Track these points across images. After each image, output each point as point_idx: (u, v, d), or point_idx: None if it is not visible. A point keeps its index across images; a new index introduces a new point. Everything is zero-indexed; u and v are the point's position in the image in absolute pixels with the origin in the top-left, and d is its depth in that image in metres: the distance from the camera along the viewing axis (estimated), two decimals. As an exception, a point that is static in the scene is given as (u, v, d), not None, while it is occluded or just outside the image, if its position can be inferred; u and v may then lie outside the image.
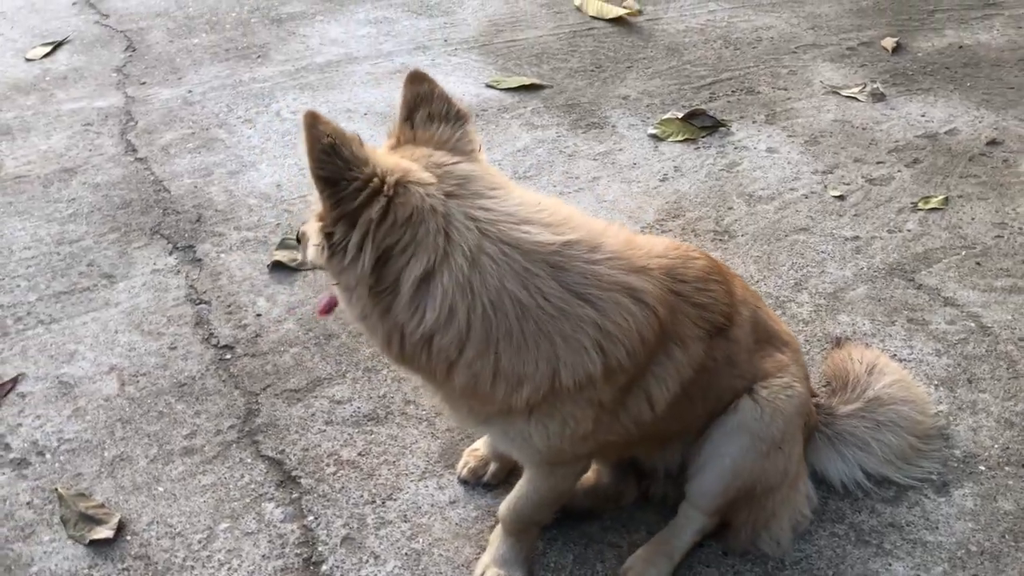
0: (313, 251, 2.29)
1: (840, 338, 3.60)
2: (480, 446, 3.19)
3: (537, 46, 6.26)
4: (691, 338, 2.50)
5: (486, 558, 2.84)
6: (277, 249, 4.26)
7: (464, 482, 3.16)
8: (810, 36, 6.39)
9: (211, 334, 3.83)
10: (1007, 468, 3.18)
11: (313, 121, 2.09)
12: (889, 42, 6.20)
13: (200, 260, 4.25)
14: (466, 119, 2.42)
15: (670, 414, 2.56)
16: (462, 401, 2.40)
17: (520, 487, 2.73)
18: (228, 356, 3.72)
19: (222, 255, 4.28)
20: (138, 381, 3.60)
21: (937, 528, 2.99)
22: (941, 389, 3.50)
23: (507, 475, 3.16)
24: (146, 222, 4.52)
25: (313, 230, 2.28)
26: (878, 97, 5.58)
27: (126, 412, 3.47)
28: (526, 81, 5.71)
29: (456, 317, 2.17)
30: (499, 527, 2.87)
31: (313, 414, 3.45)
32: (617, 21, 6.57)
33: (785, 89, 5.71)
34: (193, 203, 4.66)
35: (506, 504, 2.79)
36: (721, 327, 2.60)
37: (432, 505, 3.09)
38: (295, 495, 3.14)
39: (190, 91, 5.72)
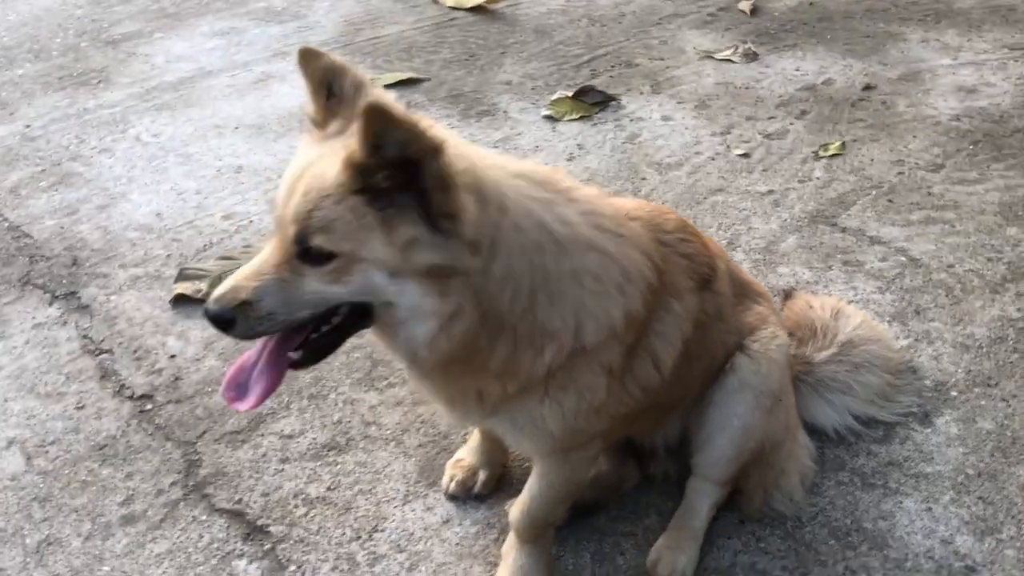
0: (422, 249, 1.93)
1: (788, 290, 3.57)
2: (464, 455, 2.93)
3: (403, 41, 6.00)
4: (685, 289, 2.40)
5: (503, 573, 2.59)
6: (177, 282, 3.82)
7: (453, 497, 2.90)
8: (670, 7, 6.44)
9: (122, 385, 3.37)
10: (976, 389, 3.23)
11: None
12: (746, 4, 6.33)
13: (88, 306, 3.75)
14: (368, 84, 2.15)
15: (673, 378, 2.42)
16: (474, 390, 2.17)
17: (531, 486, 2.50)
18: (149, 407, 3.28)
19: (112, 297, 3.80)
20: (47, 451, 3.11)
21: (933, 459, 2.98)
22: (894, 324, 3.53)
23: (498, 482, 2.92)
24: (11, 274, 3.96)
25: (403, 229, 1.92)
26: (751, 57, 5.67)
27: (41, 489, 2.98)
28: (402, 76, 5.44)
29: (514, 269, 2.01)
30: (511, 538, 2.63)
31: (264, 454, 3.08)
32: (477, 9, 6.40)
33: (662, 59, 5.71)
34: (63, 246, 4.12)
35: (517, 509, 2.55)
36: (707, 279, 2.50)
37: (425, 529, 2.81)
38: (267, 546, 2.77)
39: (28, 126, 5.10)
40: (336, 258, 1.92)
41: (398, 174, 1.83)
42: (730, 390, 2.64)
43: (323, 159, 1.94)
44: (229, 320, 1.96)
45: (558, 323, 2.10)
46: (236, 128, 5.00)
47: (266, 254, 2.00)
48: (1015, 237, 3.99)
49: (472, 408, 2.24)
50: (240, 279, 1.98)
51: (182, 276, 3.84)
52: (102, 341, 3.57)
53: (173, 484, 2.98)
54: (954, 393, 3.22)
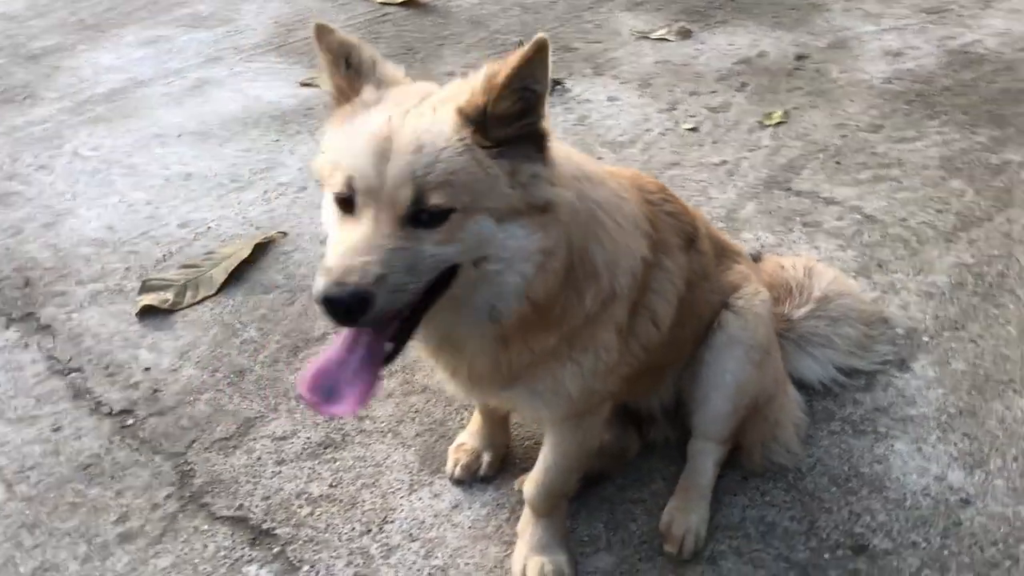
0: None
1: (756, 254, 3.65)
2: (465, 439, 2.92)
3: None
4: (674, 247, 2.46)
5: (523, 549, 2.59)
6: (141, 294, 3.71)
7: (459, 482, 2.88)
8: (599, -10, 6.52)
9: (98, 403, 3.26)
10: (945, 333, 3.36)
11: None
12: (673, -15, 6.45)
13: (48, 326, 3.61)
14: (380, 58, 2.15)
15: (669, 337, 2.48)
16: (507, 359, 2.16)
17: (545, 458, 2.51)
18: (130, 422, 3.18)
19: (74, 315, 3.67)
20: (28, 477, 2.99)
21: (915, 402, 3.09)
22: (860, 279, 3.65)
23: (502, 463, 2.92)
24: (-40, 300, 3.79)
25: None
26: (686, 35, 5.78)
27: (28, 516, 2.86)
28: (344, 73, 5.37)
29: (573, 201, 2.04)
30: (525, 515, 2.64)
31: (259, 458, 3.01)
32: (409, 4, 6.38)
33: (599, 42, 5.77)
34: (12, 267, 3.96)
35: (532, 483, 2.56)
36: (691, 238, 2.57)
37: (435, 516, 2.79)
38: (276, 548, 2.72)
39: (-46, 149, 4.89)
40: (450, 216, 1.85)
41: (514, 121, 1.86)
42: (720, 347, 2.70)
43: (419, 117, 1.88)
44: (366, 299, 1.78)
45: (601, 260, 2.14)
46: (179, 136, 4.88)
47: (368, 226, 1.85)
48: (959, 188, 4.16)
49: (493, 380, 2.23)
50: (354, 256, 1.81)
51: (146, 288, 3.73)
52: (69, 360, 3.44)
53: (168, 497, 2.90)
54: (925, 338, 3.35)
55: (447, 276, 1.93)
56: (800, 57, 5.43)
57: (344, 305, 1.79)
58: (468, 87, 1.93)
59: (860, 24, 5.82)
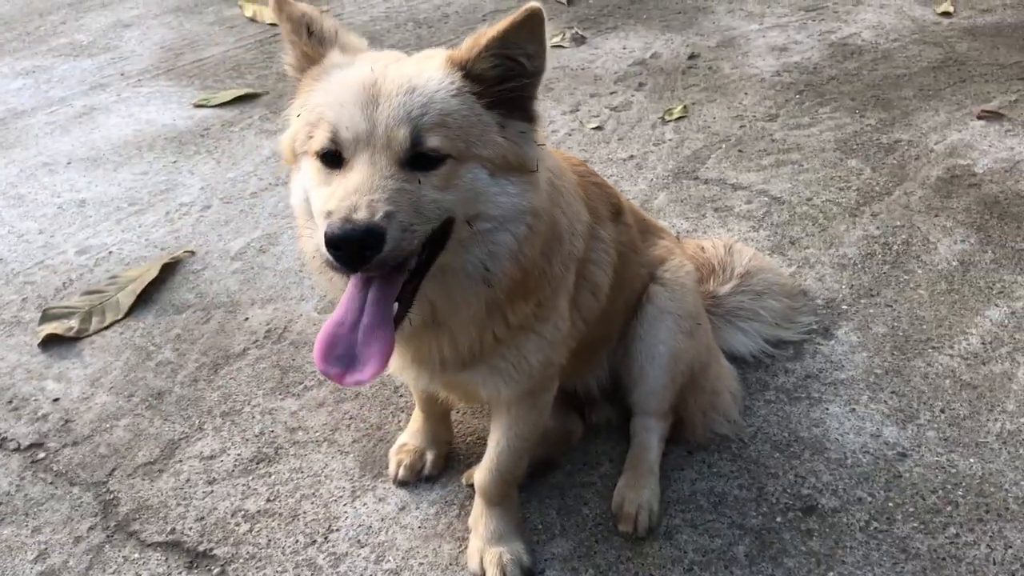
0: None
1: (675, 237, 3.70)
2: (407, 439, 2.83)
3: (229, 60, 5.77)
4: (605, 217, 2.49)
5: (477, 542, 2.52)
6: (42, 323, 3.48)
7: (403, 484, 2.79)
8: (491, 3, 6.57)
9: (3, 439, 3.03)
10: (862, 301, 3.47)
11: None
12: (562, -5, 6.56)
13: (-60, 365, 3.35)
14: (341, 29, 2.12)
15: (603, 310, 2.49)
16: (479, 334, 2.13)
17: (497, 442, 2.46)
18: (42, 455, 2.96)
19: (-32, 352, 3.41)
20: (-70, 523, 2.75)
21: (843, 366, 3.17)
22: (775, 256, 3.74)
23: (446, 461, 2.85)
24: None
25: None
26: (580, 41, 5.87)
27: (-67, 563, 2.63)
28: (239, 92, 5.24)
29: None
30: (477, 506, 2.57)
31: (188, 480, 2.85)
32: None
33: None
34: None
35: (484, 471, 2.50)
36: (617, 209, 2.60)
37: (382, 520, 2.69)
38: (216, 569, 2.56)
39: None
40: (447, 160, 1.82)
41: (513, 86, 1.85)
42: (651, 319, 2.72)
43: (403, 65, 1.89)
44: (379, 236, 1.69)
45: (563, 222, 2.15)
46: (69, 163, 4.63)
47: (366, 169, 1.77)
48: (856, 167, 4.33)
49: (461, 360, 2.17)
50: (359, 195, 1.72)
51: (47, 317, 3.50)
52: (-33, 398, 3.20)
53: (92, 528, 2.70)
54: (844, 307, 3.44)
55: (443, 234, 1.89)
56: (692, 56, 5.58)
57: (356, 242, 1.68)
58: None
59: (744, 24, 6.03)
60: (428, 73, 1.87)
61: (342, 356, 1.83)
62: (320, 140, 1.85)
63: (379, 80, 1.84)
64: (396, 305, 1.86)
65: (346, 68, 1.93)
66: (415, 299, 1.92)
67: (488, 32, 1.85)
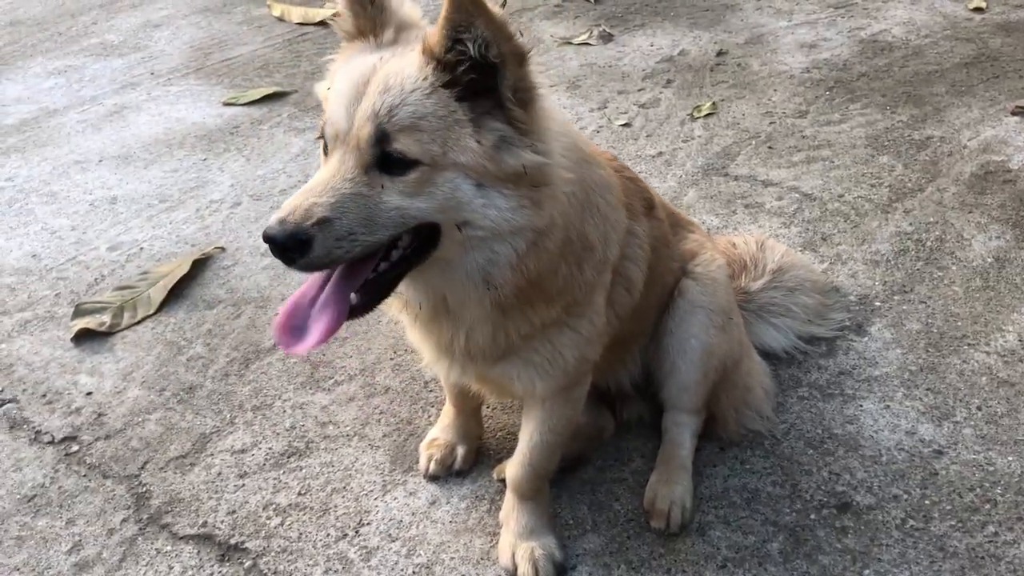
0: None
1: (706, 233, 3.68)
2: (438, 434, 2.83)
3: (258, 60, 5.80)
4: (639, 213, 2.46)
5: (509, 537, 2.51)
6: (75, 319, 3.51)
7: (434, 478, 2.79)
8: (517, 2, 6.55)
9: (38, 432, 3.05)
10: (895, 297, 3.42)
11: None
12: (589, -7, 6.55)
13: (-25, 360, 3.39)
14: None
15: (637, 305, 2.47)
16: (504, 330, 2.11)
17: (530, 436, 2.44)
18: (75, 448, 2.98)
19: (2, 346, 3.45)
20: (-34, 514, 2.78)
21: (877, 363, 3.13)
22: (807, 252, 3.70)
23: (476, 456, 2.84)
24: None
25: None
26: (607, 38, 5.85)
27: (-30, 554, 2.65)
28: (268, 91, 5.26)
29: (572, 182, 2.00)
30: (509, 499, 2.56)
31: (219, 473, 2.86)
32: (326, 23, 6.28)
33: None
34: (-71, 303, 3.71)
35: (516, 465, 2.49)
36: (650, 203, 2.58)
37: (413, 514, 2.69)
38: (248, 563, 2.57)
39: None
40: (419, 166, 1.78)
41: (479, 75, 1.75)
42: (683, 314, 2.70)
43: (395, 59, 1.82)
44: (305, 241, 1.73)
45: (595, 234, 2.11)
46: (100, 161, 4.68)
47: (332, 168, 1.80)
48: (888, 163, 4.27)
49: (489, 353, 2.16)
50: (306, 196, 1.76)
51: (80, 312, 3.54)
52: (2, 391, 3.23)
53: (125, 521, 2.72)
54: (878, 303, 3.40)
55: (431, 237, 1.87)
56: (720, 53, 5.54)
57: (280, 244, 1.74)
58: None
59: (773, 21, 5.99)
60: (406, 69, 1.80)
61: (295, 326, 1.90)
62: (321, 125, 1.88)
63: (371, 74, 1.82)
64: (354, 296, 1.89)
65: (365, 56, 1.89)
66: (389, 292, 1.95)
67: (441, 15, 1.77)
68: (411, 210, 1.81)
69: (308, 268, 1.80)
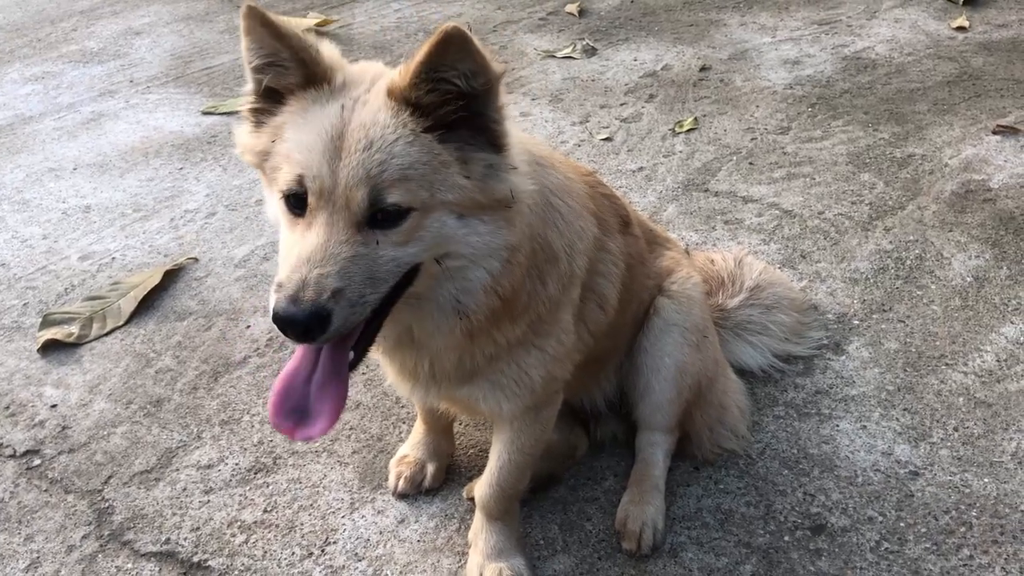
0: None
1: (684, 250, 3.65)
2: (408, 451, 2.78)
3: (238, 69, 5.75)
4: (613, 229, 2.43)
5: (477, 557, 2.46)
6: (42, 328, 3.45)
7: (403, 496, 2.74)
8: (501, 15, 6.54)
9: (-1, 445, 2.99)
10: (874, 316, 3.40)
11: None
12: (573, 7, 6.53)
13: (-62, 370, 3.32)
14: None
15: (611, 323, 2.43)
16: (470, 353, 2.06)
17: (499, 456, 2.40)
18: (37, 462, 2.92)
19: (-33, 356, 3.38)
20: (-78, 529, 2.70)
21: (854, 382, 3.10)
22: (786, 269, 3.67)
23: (447, 474, 2.79)
24: None
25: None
26: (591, 52, 5.84)
27: (-77, 570, 2.58)
28: (248, 101, 5.21)
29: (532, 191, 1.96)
30: (477, 521, 2.51)
31: (184, 488, 2.80)
32: (310, 32, 6.25)
33: (506, 62, 5.76)
34: None
35: (485, 485, 2.44)
36: (625, 220, 2.54)
37: (380, 532, 2.63)
38: (210, 582, 2.51)
39: None
40: (409, 215, 1.73)
41: (460, 108, 1.72)
42: (657, 332, 2.66)
43: (363, 108, 1.75)
44: (325, 316, 1.66)
45: (559, 242, 2.07)
46: (75, 169, 4.62)
47: (322, 232, 1.71)
48: (869, 181, 4.26)
49: (454, 376, 2.12)
50: (308, 267, 1.68)
51: (47, 322, 3.47)
52: (-36, 403, 3.16)
53: (85, 537, 2.65)
54: (856, 322, 3.38)
55: (409, 276, 1.83)
56: (704, 69, 5.53)
57: (302, 325, 1.66)
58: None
59: (757, 37, 5.99)
60: (382, 118, 1.74)
61: (295, 409, 1.82)
62: (286, 180, 1.77)
63: (344, 128, 1.74)
64: (351, 353, 1.84)
65: (323, 105, 1.80)
66: (377, 337, 1.89)
67: (415, 58, 1.72)
68: (404, 258, 1.77)
69: (326, 341, 1.74)
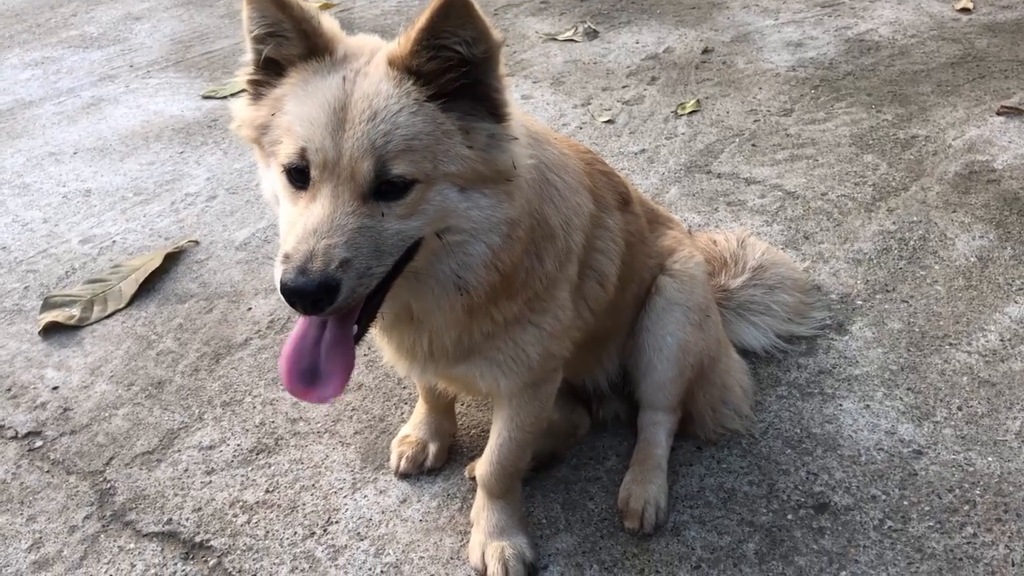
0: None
1: (688, 231, 3.63)
2: (410, 431, 2.77)
3: (239, 53, 5.70)
4: (612, 205, 2.41)
5: (479, 536, 2.45)
6: (44, 311, 3.44)
7: (405, 476, 2.73)
8: (503, -4, 6.51)
9: (1, 427, 2.98)
10: (877, 296, 3.38)
11: None
12: (574, -10, 6.50)
13: (-61, 353, 3.32)
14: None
15: (612, 301, 2.43)
16: (468, 330, 2.05)
17: (499, 434, 2.39)
18: (39, 443, 2.92)
19: (-32, 339, 3.38)
20: (-76, 510, 2.70)
21: (857, 362, 3.09)
22: (789, 250, 3.66)
23: (449, 453, 2.78)
24: None
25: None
26: (592, 35, 5.81)
27: (-74, 551, 2.58)
28: (248, 84, 5.19)
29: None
30: (479, 500, 2.50)
31: (186, 470, 2.80)
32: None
33: (507, 45, 5.71)
34: None
35: (486, 463, 2.43)
36: (625, 198, 2.53)
37: (383, 512, 2.63)
38: (213, 560, 2.51)
39: None
40: (414, 187, 1.72)
41: (461, 76, 1.71)
42: (659, 311, 2.65)
43: (365, 79, 1.74)
44: (334, 287, 1.65)
45: (555, 219, 2.05)
46: (75, 153, 4.60)
47: (328, 203, 1.70)
48: (872, 162, 4.24)
49: (451, 354, 2.11)
50: (316, 237, 1.67)
51: (48, 305, 3.47)
52: (-34, 385, 3.16)
53: (87, 518, 2.65)
54: (859, 302, 3.36)
55: (410, 250, 1.82)
56: (706, 51, 5.50)
57: (311, 296, 1.65)
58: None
59: (759, 19, 5.95)
60: (385, 89, 1.73)
61: (307, 370, 1.81)
62: (287, 153, 1.76)
63: (347, 100, 1.72)
64: (355, 327, 1.83)
65: (324, 77, 1.78)
66: (379, 311, 1.88)
67: (415, 24, 1.71)
68: (409, 231, 1.76)
69: (334, 313, 1.73)
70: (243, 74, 1.91)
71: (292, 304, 1.68)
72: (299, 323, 1.87)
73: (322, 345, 1.82)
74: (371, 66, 1.79)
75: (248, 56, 1.89)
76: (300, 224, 1.71)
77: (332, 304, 1.68)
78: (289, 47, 1.83)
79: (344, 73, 1.77)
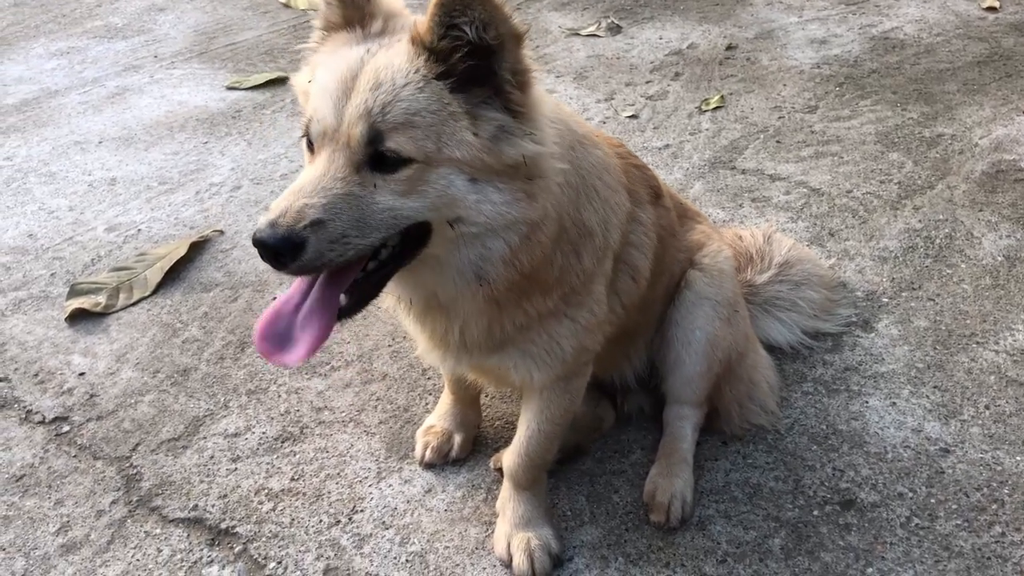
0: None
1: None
2: (435, 421, 2.78)
3: (262, 45, 5.75)
4: (645, 201, 2.40)
5: (504, 527, 2.46)
6: (70, 298, 3.46)
7: (430, 466, 2.73)
8: (526, -10, 6.50)
9: (28, 411, 3.01)
10: (903, 294, 3.36)
11: None
12: (597, -15, 6.48)
13: (-32, 338, 3.34)
14: None
15: (644, 295, 2.42)
16: (500, 321, 2.05)
17: (528, 426, 2.39)
18: (66, 428, 2.94)
19: (-4, 325, 3.40)
20: (-47, 493, 2.73)
21: (883, 359, 3.07)
22: (814, 247, 3.64)
23: (474, 444, 2.79)
24: None
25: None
26: (615, 30, 5.79)
27: (-45, 532, 2.60)
28: (271, 76, 5.21)
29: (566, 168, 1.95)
30: (505, 490, 2.50)
31: (212, 456, 2.81)
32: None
33: (530, 39, 5.70)
34: (-77, 281, 3.66)
35: (513, 454, 2.43)
36: (657, 192, 2.52)
37: (408, 502, 2.63)
38: (238, 547, 2.52)
39: None
40: (412, 164, 1.71)
41: (474, 60, 1.69)
42: (688, 305, 2.65)
43: (384, 52, 1.75)
44: (298, 244, 1.66)
45: (594, 219, 2.05)
46: (100, 142, 4.63)
47: (321, 167, 1.72)
48: (898, 160, 4.21)
49: (485, 344, 2.11)
50: (296, 196, 1.69)
51: (75, 292, 3.49)
52: (-6, 370, 3.18)
53: (114, 503, 2.67)
54: (885, 300, 3.34)
55: (421, 235, 1.82)
56: (730, 47, 5.48)
57: (272, 248, 1.67)
58: None
59: (783, 16, 5.92)
60: (396, 62, 1.73)
61: (278, 334, 1.82)
62: (304, 121, 1.80)
63: (359, 68, 1.74)
64: (343, 297, 1.83)
65: (351, 48, 1.81)
66: (378, 292, 1.89)
67: (433, 0, 1.70)
68: (404, 211, 1.76)
69: (298, 272, 1.74)
70: (312, 39, 1.96)
71: (261, 257, 1.70)
72: (291, 286, 1.89)
73: (300, 311, 1.82)
74: (400, 42, 1.80)
75: (319, 20, 1.95)
76: (294, 183, 1.75)
77: (295, 261, 1.68)
78: (332, 13, 1.88)
79: (370, 46, 1.79)
